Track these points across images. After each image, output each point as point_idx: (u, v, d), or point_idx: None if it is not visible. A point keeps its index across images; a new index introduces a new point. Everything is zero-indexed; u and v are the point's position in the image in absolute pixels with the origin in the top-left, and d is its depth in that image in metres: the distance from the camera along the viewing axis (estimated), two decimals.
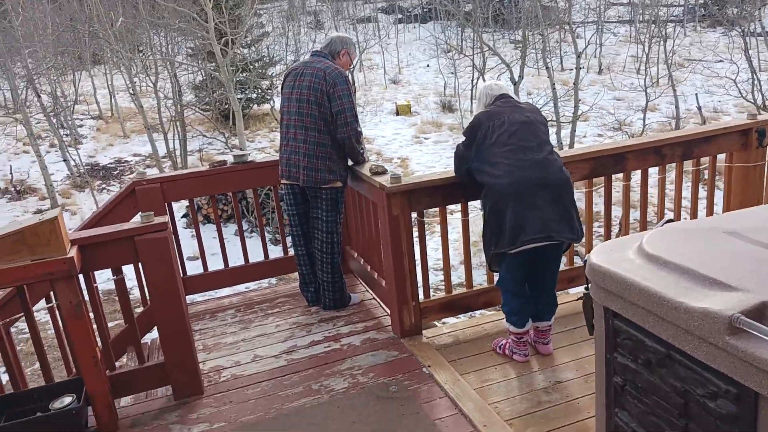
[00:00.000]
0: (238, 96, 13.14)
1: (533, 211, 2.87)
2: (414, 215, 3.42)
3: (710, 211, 4.14)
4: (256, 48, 17.64)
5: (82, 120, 19.10)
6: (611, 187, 3.83)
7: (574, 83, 12.41)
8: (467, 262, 3.62)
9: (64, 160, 13.56)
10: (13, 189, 13.07)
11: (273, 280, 7.00)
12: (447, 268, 3.59)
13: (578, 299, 3.04)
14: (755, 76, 15.92)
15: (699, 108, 16.50)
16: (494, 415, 2.79)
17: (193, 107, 13.53)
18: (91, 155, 16.01)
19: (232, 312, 4.13)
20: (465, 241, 3.58)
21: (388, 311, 3.74)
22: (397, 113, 18.82)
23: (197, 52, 15.27)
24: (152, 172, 14.60)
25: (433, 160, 14.61)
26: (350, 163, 3.86)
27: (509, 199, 2.89)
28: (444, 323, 3.80)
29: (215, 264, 4.41)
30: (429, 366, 3.20)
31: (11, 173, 13.74)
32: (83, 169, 13.88)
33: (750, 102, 15.84)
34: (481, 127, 3.09)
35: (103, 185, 13.87)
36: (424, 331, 3.57)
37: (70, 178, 13.89)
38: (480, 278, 7.24)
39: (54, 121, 14.45)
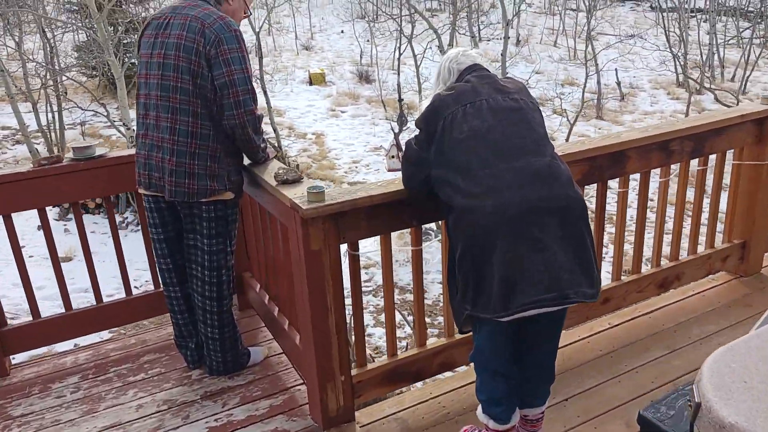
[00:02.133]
0: (125, 60, 11.29)
1: (536, 254, 1.78)
2: (344, 247, 2.25)
3: (714, 220, 3.26)
4: (148, 6, 15.48)
5: None
6: (605, 197, 2.83)
7: (501, 54, 11.52)
8: (419, 309, 2.51)
9: None
10: None
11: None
12: (391, 322, 2.46)
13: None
14: (672, 51, 15.79)
15: (618, 83, 16.22)
16: None
17: (62, 73, 11.43)
18: None
19: (75, 380, 2.81)
20: (416, 281, 2.46)
21: (304, 379, 2.59)
22: (311, 83, 17.33)
23: (80, 8, 13.01)
24: (21, 150, 12.46)
25: (352, 136, 13.35)
26: (247, 161, 2.62)
27: (496, 234, 1.79)
28: (386, 397, 2.68)
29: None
30: None
31: None
32: None
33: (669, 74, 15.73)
34: (443, 113, 1.96)
35: None
36: (358, 414, 2.45)
37: None
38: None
39: None
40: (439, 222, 2.20)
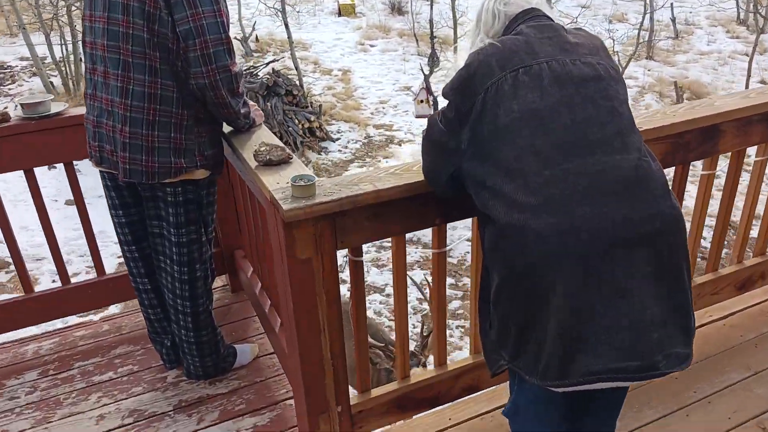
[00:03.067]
0: None
1: (615, 303, 1.22)
2: (344, 253, 1.73)
3: None
4: None
5: None
6: (685, 183, 2.22)
7: None
8: (439, 324, 1.99)
9: None
10: None
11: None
12: (403, 341, 1.95)
13: None
14: None
15: (673, 19, 14.89)
16: None
17: (74, 2, 10.82)
18: None
19: (33, 377, 2.40)
20: (437, 291, 1.93)
21: (294, 399, 2.12)
22: (340, 14, 16.37)
23: None
24: (38, 83, 12.00)
25: (380, 73, 12.55)
26: (228, 128, 2.08)
27: (557, 270, 1.23)
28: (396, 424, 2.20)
29: None
30: None
31: None
32: None
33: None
34: (484, 83, 1.36)
35: None
36: None
37: None
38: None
39: None
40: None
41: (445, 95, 1.48)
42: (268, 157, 1.74)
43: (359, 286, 1.77)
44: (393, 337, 4.13)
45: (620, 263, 1.21)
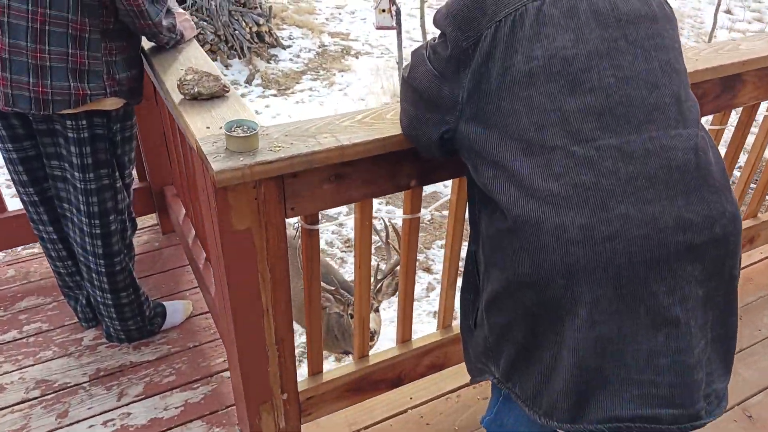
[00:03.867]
0: None
1: (654, 335, 0.93)
2: (296, 221, 1.37)
3: None
4: None
5: None
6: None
7: None
8: (406, 298, 1.69)
9: None
10: None
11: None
12: (363, 319, 1.65)
13: None
14: None
15: None
16: None
17: None
18: None
19: None
20: (407, 261, 1.61)
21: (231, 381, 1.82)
22: None
23: None
24: None
25: None
26: (148, 43, 1.63)
27: (582, 286, 0.91)
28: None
29: None
30: None
31: None
32: None
33: None
34: (497, 12, 0.97)
35: None
36: (305, 428, 1.72)
37: None
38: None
39: None
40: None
41: (438, 24, 1.09)
42: (196, 89, 1.33)
43: (314, 261, 1.43)
44: (343, 274, 3.85)
45: (665, 283, 0.91)
